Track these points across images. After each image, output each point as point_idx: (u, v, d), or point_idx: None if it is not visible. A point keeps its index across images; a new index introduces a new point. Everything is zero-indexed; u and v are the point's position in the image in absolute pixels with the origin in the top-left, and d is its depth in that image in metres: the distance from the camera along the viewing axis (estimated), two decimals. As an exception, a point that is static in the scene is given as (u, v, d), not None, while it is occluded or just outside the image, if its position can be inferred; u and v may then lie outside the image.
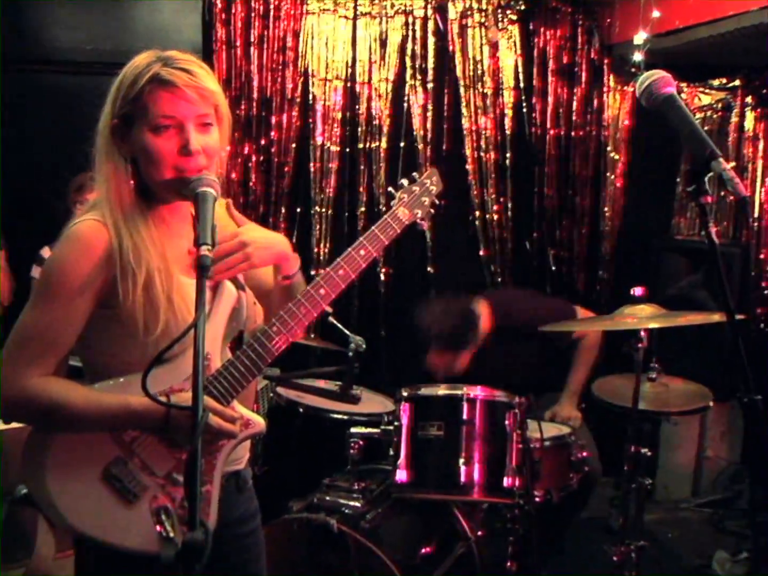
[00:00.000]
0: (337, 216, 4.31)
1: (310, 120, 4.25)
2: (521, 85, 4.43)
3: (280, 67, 4.17)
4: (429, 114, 4.36)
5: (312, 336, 3.44)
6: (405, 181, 1.94)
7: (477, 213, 4.43)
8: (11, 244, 3.81)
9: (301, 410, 3.07)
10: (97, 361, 1.65)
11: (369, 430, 2.74)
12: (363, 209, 4.33)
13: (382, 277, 4.36)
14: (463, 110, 4.38)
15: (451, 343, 3.31)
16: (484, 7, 4.35)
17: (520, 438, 2.62)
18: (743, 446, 4.41)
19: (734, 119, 4.42)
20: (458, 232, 4.45)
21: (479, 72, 4.37)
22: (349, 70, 4.26)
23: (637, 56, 3.92)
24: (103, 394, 1.58)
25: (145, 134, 1.58)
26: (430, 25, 4.31)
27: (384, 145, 4.32)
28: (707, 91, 4.51)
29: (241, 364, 1.64)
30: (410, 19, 4.29)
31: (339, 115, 4.27)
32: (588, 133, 4.53)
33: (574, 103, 4.49)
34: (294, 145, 4.23)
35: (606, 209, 4.59)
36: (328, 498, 2.70)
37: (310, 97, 4.24)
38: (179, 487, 1.60)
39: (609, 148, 4.55)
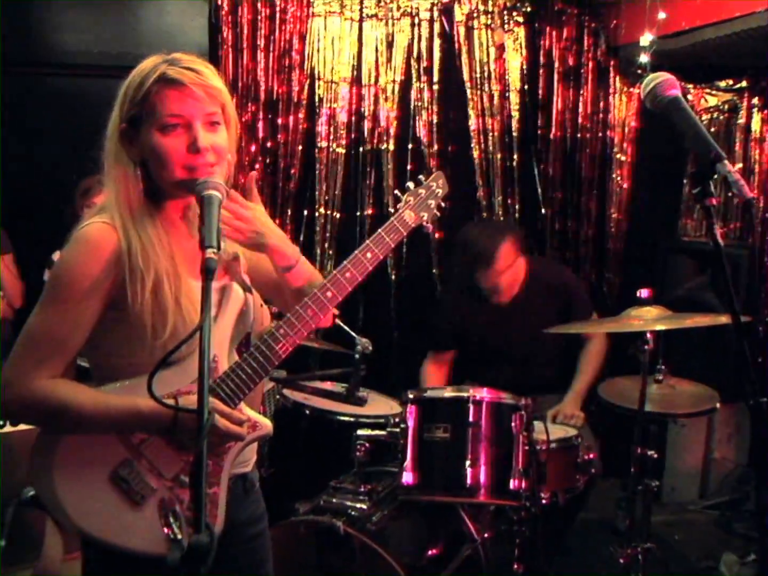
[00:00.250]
0: (344, 218, 4.31)
1: (317, 122, 4.25)
2: (527, 86, 4.43)
3: (287, 70, 4.17)
4: (435, 115, 4.36)
5: (319, 338, 3.44)
6: (411, 184, 1.95)
7: (484, 215, 4.43)
8: (17, 247, 3.83)
9: (307, 412, 3.07)
10: (105, 363, 1.66)
11: (375, 432, 2.73)
12: (369, 211, 4.33)
13: (393, 278, 4.36)
14: (470, 112, 4.38)
15: (481, 259, 3.37)
16: (490, 9, 4.35)
17: (527, 440, 2.62)
18: (751, 448, 4.39)
19: (741, 121, 4.40)
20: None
21: (485, 74, 4.37)
22: (356, 73, 4.27)
23: (644, 58, 3.91)
24: (112, 396, 1.59)
25: (154, 134, 1.59)
26: (436, 27, 4.31)
27: (390, 147, 4.33)
28: (714, 92, 4.49)
29: (248, 367, 1.65)
30: (416, 21, 4.30)
31: (345, 118, 4.28)
32: (594, 134, 4.53)
33: (580, 105, 4.49)
34: (300, 148, 4.23)
35: (612, 211, 4.58)
36: (334, 500, 2.70)
37: (317, 99, 4.24)
38: (187, 489, 1.61)
39: (615, 150, 4.54)
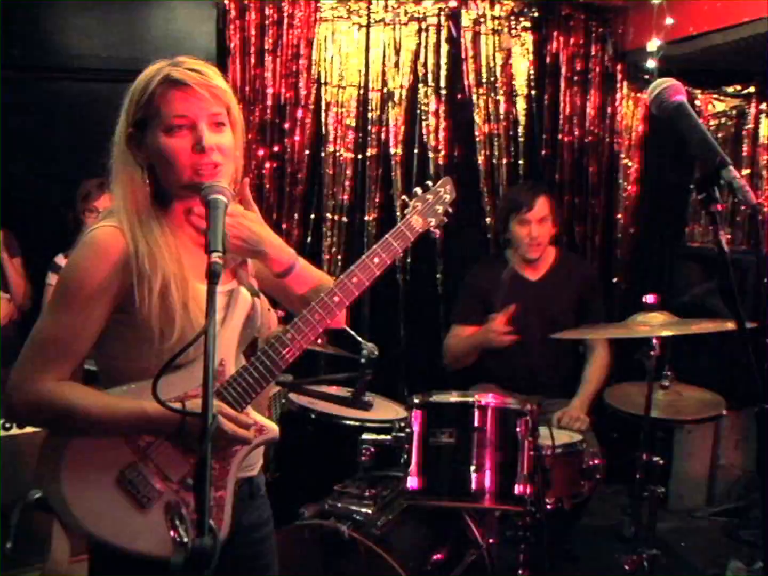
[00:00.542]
0: (351, 223, 4.31)
1: (324, 127, 4.26)
2: (534, 92, 4.43)
3: (294, 74, 4.18)
4: (442, 120, 4.36)
5: (325, 343, 3.45)
6: (419, 189, 1.96)
7: (488, 220, 4.43)
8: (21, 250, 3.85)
9: (313, 417, 3.08)
10: (113, 366, 1.66)
11: (380, 436, 2.74)
12: (376, 216, 4.33)
13: (401, 284, 4.37)
14: (476, 117, 4.39)
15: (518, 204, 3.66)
16: (497, 14, 4.36)
17: (532, 445, 2.62)
18: (757, 455, 4.37)
19: (749, 126, 4.40)
20: (470, 238, 4.44)
21: (492, 79, 4.38)
22: (363, 77, 4.28)
23: (651, 63, 3.91)
24: (119, 399, 1.59)
25: (159, 136, 1.60)
26: (444, 32, 4.32)
27: (398, 151, 4.33)
28: (721, 97, 4.49)
29: (255, 371, 1.65)
30: (423, 26, 4.30)
31: (352, 122, 4.28)
32: (601, 140, 4.53)
33: (588, 111, 4.49)
34: (307, 152, 4.24)
35: (619, 216, 4.58)
36: (339, 504, 2.70)
37: (324, 103, 4.25)
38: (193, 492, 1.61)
39: (622, 155, 4.54)
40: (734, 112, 4.50)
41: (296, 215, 4.25)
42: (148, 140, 1.62)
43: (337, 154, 4.28)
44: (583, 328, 3.46)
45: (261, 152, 4.17)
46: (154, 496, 1.60)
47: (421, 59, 4.32)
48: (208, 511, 1.20)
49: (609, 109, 4.51)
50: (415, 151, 4.35)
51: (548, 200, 3.68)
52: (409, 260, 4.34)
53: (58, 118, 4.04)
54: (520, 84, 4.42)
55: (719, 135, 4.56)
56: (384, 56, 4.29)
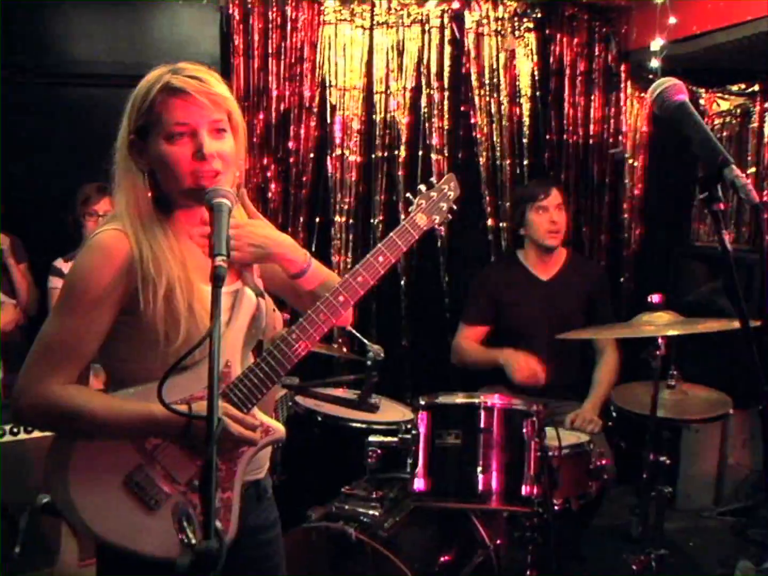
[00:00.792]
0: (356, 224, 4.32)
1: (329, 129, 4.27)
2: (538, 92, 4.43)
3: (298, 77, 4.18)
4: (446, 122, 4.36)
5: (332, 345, 3.45)
6: (423, 187, 1.96)
7: (490, 222, 4.42)
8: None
9: (319, 419, 3.08)
10: (119, 368, 1.67)
11: (387, 438, 2.74)
12: (381, 217, 4.33)
13: (403, 285, 4.37)
14: (480, 118, 4.39)
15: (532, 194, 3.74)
16: (500, 15, 4.36)
17: (538, 446, 2.61)
18: (764, 453, 4.36)
19: (753, 125, 4.39)
20: (474, 239, 4.44)
21: (495, 80, 4.38)
22: (366, 80, 4.28)
23: (655, 62, 3.90)
24: (125, 401, 1.60)
25: (160, 143, 1.60)
26: (447, 33, 4.32)
27: (402, 153, 4.34)
28: (726, 96, 4.48)
29: (260, 372, 1.66)
30: (426, 28, 4.31)
31: (357, 125, 4.29)
32: (605, 140, 4.52)
33: (592, 110, 4.48)
34: (312, 155, 4.25)
35: (625, 216, 4.57)
36: (346, 506, 2.70)
37: (328, 106, 4.26)
38: (199, 494, 1.62)
39: (627, 155, 4.54)
40: (738, 110, 4.49)
41: (302, 218, 4.26)
42: (149, 147, 1.63)
43: (342, 156, 4.28)
44: (589, 329, 3.45)
45: (266, 156, 4.18)
46: (162, 498, 1.61)
47: (425, 61, 4.32)
48: (214, 514, 1.20)
49: (613, 109, 4.51)
50: (420, 152, 4.35)
51: (561, 192, 3.75)
52: (413, 261, 4.34)
53: (61, 123, 4.05)
54: (524, 85, 4.42)
55: (724, 134, 4.55)
56: (387, 58, 4.29)
